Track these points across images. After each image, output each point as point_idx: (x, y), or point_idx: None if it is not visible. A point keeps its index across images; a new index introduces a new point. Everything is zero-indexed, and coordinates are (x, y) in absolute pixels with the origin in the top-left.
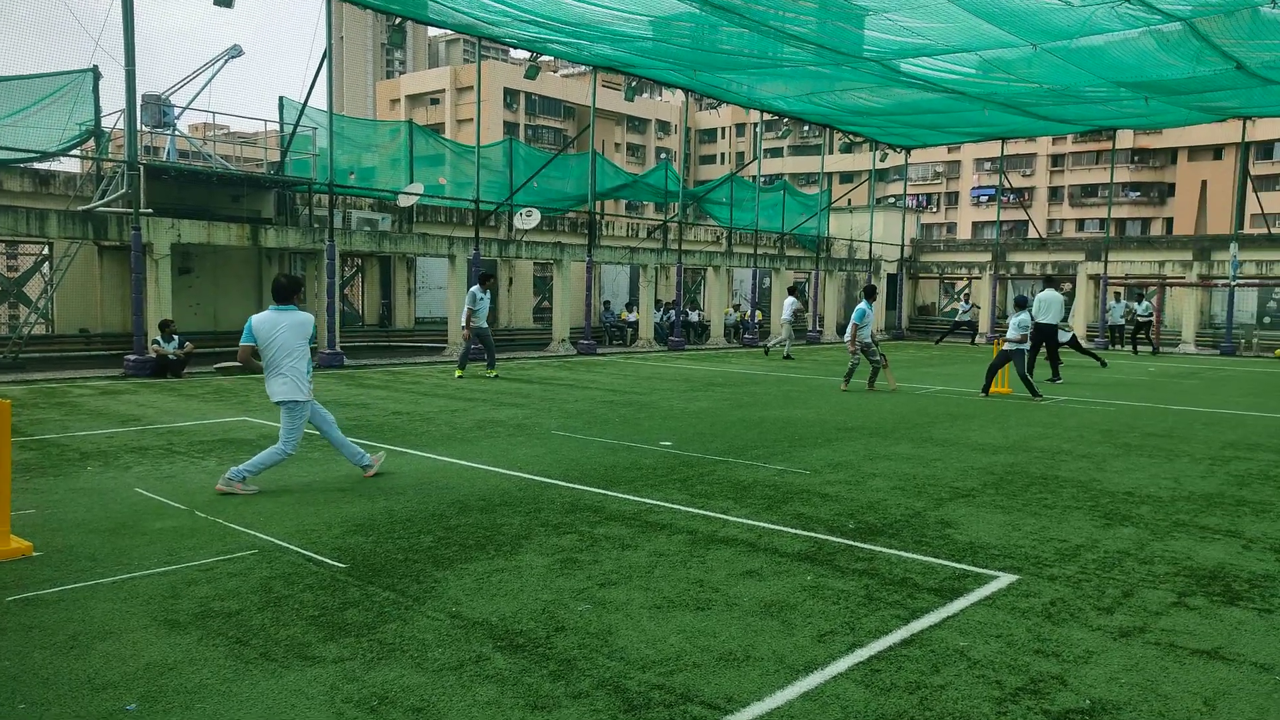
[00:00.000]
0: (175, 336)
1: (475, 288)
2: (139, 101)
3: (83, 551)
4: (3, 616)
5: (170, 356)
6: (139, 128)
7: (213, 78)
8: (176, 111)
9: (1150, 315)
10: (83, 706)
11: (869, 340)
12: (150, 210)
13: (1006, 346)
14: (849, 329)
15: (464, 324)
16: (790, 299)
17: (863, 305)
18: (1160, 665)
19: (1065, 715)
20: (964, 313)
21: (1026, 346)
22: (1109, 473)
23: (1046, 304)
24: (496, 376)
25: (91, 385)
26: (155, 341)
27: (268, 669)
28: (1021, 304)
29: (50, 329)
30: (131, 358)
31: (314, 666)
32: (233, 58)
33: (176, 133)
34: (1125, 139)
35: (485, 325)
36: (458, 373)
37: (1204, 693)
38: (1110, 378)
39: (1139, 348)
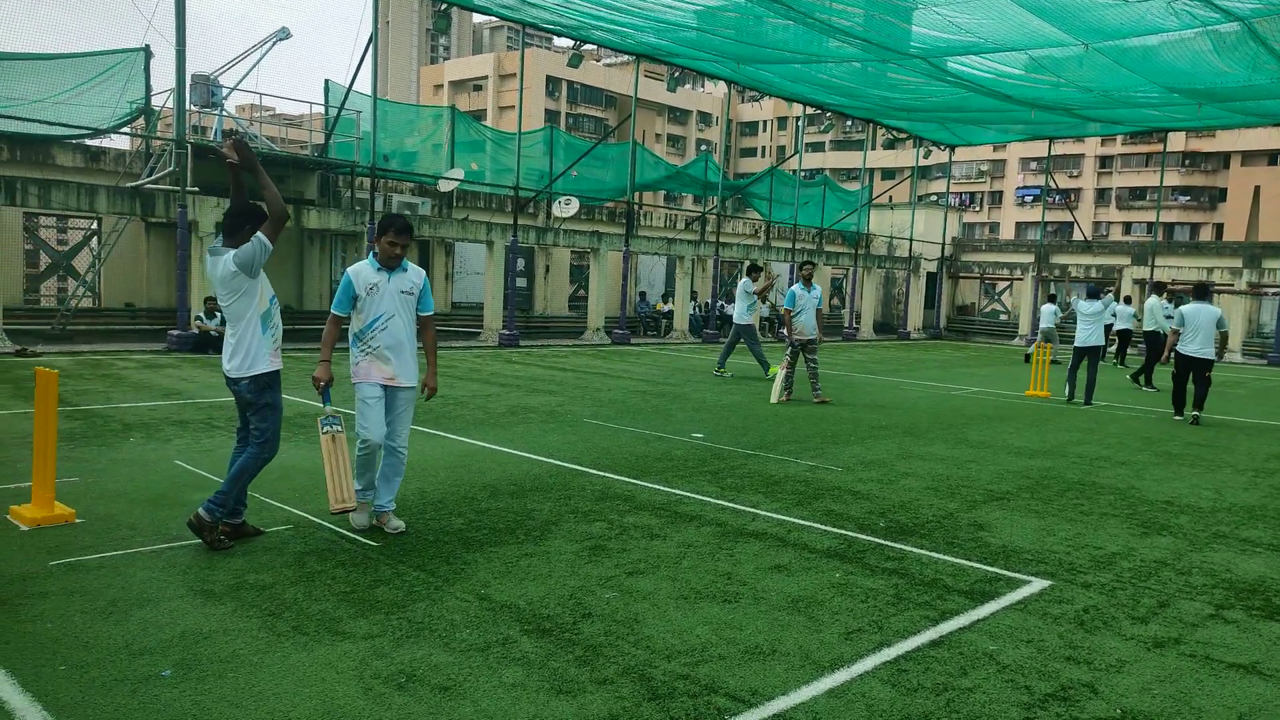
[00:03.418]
0: (217, 314)
1: (796, 285)
2: (188, 81)
3: (124, 520)
4: (46, 580)
5: (212, 333)
6: (188, 107)
7: (261, 59)
8: (224, 92)
9: (1116, 322)
10: (120, 670)
11: (811, 335)
12: (196, 189)
13: (1078, 343)
14: (784, 316)
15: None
16: (1050, 306)
17: (794, 287)
18: (1195, 678)
19: None
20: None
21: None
22: (1148, 481)
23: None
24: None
25: (135, 359)
26: (198, 317)
27: (299, 642)
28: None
29: (97, 302)
30: (175, 333)
31: (344, 641)
32: (281, 40)
33: (224, 113)
34: (1177, 141)
35: (752, 324)
36: (770, 370)
37: (1239, 708)
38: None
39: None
